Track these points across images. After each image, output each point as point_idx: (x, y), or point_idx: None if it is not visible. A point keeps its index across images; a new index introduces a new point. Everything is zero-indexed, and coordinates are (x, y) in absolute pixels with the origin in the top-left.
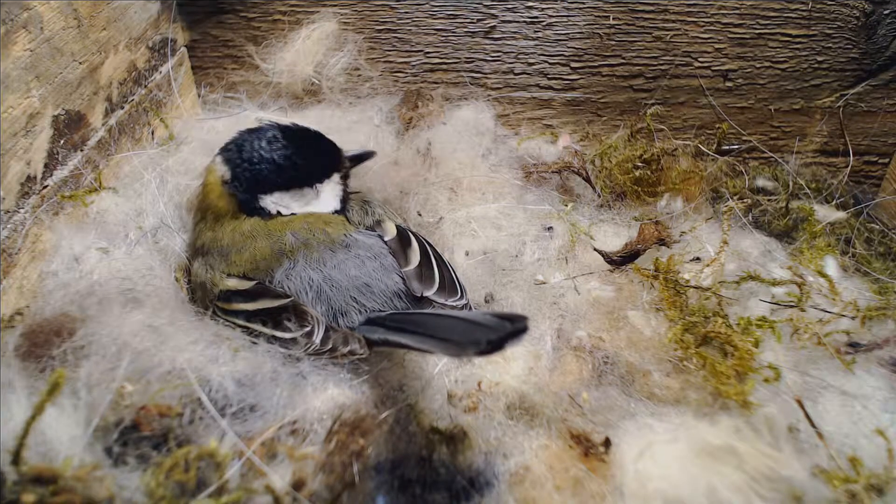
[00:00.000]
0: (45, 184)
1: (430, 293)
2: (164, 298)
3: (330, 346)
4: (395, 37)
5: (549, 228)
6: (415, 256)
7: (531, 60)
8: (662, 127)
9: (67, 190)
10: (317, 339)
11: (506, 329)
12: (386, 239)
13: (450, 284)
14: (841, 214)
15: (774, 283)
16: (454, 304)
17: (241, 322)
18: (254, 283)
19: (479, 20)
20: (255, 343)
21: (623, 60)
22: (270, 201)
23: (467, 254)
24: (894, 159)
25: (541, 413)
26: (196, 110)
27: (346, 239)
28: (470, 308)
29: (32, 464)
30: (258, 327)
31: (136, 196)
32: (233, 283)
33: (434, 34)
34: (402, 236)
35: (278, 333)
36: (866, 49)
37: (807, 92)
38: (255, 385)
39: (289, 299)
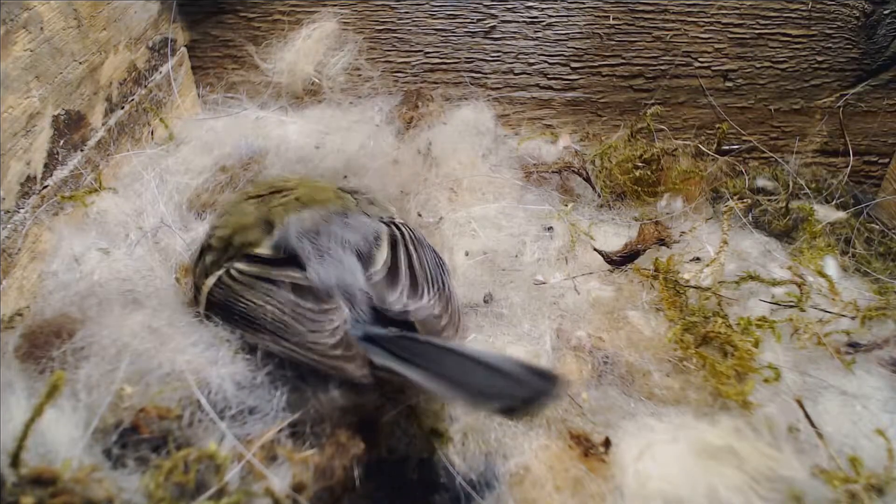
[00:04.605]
0: (45, 184)
1: (392, 298)
2: (164, 299)
3: (344, 348)
4: (395, 37)
5: (549, 228)
6: (381, 255)
7: (531, 60)
8: (662, 127)
9: (67, 190)
10: (339, 322)
11: (537, 388)
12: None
13: (411, 283)
14: (841, 214)
15: (774, 283)
16: (416, 306)
17: (267, 276)
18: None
19: (479, 20)
20: (253, 347)
21: (623, 60)
22: None
23: (467, 254)
24: (894, 159)
25: (540, 413)
26: (196, 110)
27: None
28: (446, 302)
29: (32, 465)
30: (278, 294)
31: (135, 196)
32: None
33: (434, 34)
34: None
35: (300, 307)
36: (866, 49)
37: (807, 92)
38: (255, 387)
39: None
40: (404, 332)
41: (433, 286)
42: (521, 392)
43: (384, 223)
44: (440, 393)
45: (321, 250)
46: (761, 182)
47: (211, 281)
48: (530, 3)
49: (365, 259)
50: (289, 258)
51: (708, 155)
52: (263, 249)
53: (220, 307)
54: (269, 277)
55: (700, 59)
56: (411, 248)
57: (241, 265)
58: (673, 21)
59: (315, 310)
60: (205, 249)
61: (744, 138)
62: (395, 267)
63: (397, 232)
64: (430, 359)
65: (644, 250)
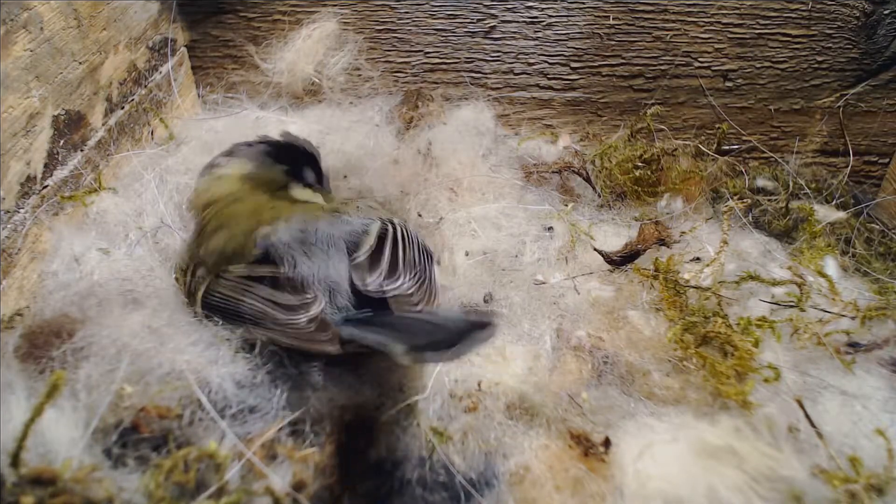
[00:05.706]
0: (45, 184)
1: (370, 279)
2: (164, 299)
3: (318, 327)
4: (395, 37)
5: (549, 228)
6: (367, 242)
7: (531, 60)
8: (662, 127)
9: (67, 190)
10: (315, 311)
11: (470, 332)
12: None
13: (391, 267)
14: (841, 214)
15: (774, 283)
16: (392, 286)
17: (245, 284)
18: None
19: (479, 20)
20: (253, 345)
21: (623, 60)
22: None
23: (467, 254)
24: (894, 159)
25: (541, 413)
26: (196, 110)
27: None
28: (424, 286)
29: (32, 465)
30: (258, 289)
31: (135, 196)
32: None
33: (434, 34)
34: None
35: (277, 296)
36: (866, 49)
37: (807, 92)
38: (255, 386)
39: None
40: (378, 311)
41: (412, 272)
42: (456, 337)
43: (376, 219)
44: (386, 347)
45: (307, 246)
46: (761, 182)
47: (202, 288)
48: (530, 3)
49: (352, 248)
50: (268, 255)
51: (708, 155)
52: (250, 252)
53: (212, 309)
54: (251, 275)
55: (700, 59)
56: (399, 240)
57: (229, 268)
58: (673, 21)
59: (293, 300)
60: (197, 264)
61: (744, 138)
62: (378, 253)
63: (388, 226)
64: (388, 324)
65: (644, 250)
